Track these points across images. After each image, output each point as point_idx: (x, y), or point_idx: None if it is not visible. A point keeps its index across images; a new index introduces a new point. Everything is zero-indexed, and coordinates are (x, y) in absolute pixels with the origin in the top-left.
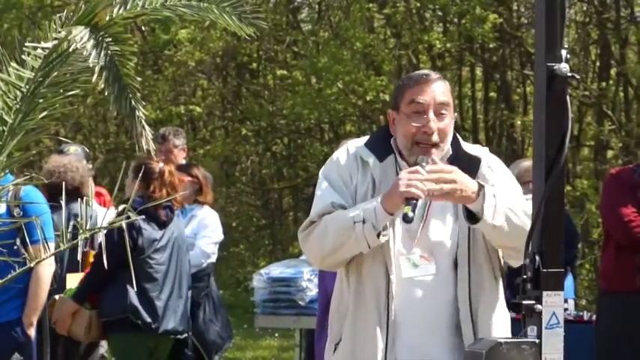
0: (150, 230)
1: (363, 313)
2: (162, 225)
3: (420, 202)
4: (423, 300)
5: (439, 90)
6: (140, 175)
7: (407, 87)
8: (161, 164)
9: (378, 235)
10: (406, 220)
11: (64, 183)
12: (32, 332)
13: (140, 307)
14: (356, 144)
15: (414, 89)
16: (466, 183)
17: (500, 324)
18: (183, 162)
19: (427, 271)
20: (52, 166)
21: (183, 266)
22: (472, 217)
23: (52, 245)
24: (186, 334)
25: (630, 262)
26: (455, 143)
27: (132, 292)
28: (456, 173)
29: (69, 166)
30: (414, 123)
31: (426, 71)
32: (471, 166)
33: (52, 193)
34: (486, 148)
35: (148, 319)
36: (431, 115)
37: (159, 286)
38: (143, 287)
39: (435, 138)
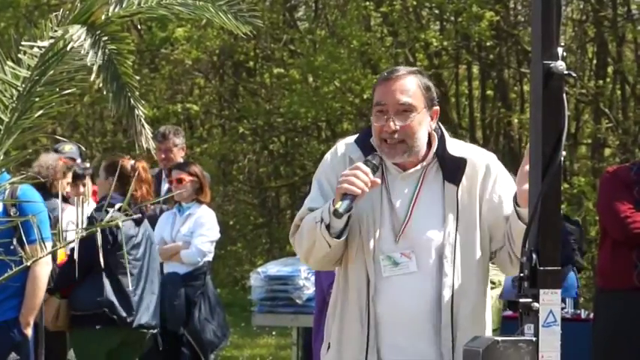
0: (127, 226)
1: (347, 314)
2: (139, 222)
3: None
4: (405, 299)
5: (403, 89)
6: (117, 173)
7: (376, 86)
8: (132, 161)
9: (339, 236)
10: (335, 215)
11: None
12: (29, 332)
13: (116, 302)
14: (346, 142)
15: (379, 89)
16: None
17: (479, 332)
18: (181, 161)
19: (407, 269)
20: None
21: (155, 263)
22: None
23: (49, 245)
24: (156, 329)
25: (628, 259)
26: (441, 144)
27: (108, 287)
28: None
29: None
30: (375, 123)
31: (395, 68)
32: (454, 167)
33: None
34: (493, 155)
35: (124, 314)
36: (391, 114)
37: (135, 282)
38: (120, 282)
39: (398, 137)
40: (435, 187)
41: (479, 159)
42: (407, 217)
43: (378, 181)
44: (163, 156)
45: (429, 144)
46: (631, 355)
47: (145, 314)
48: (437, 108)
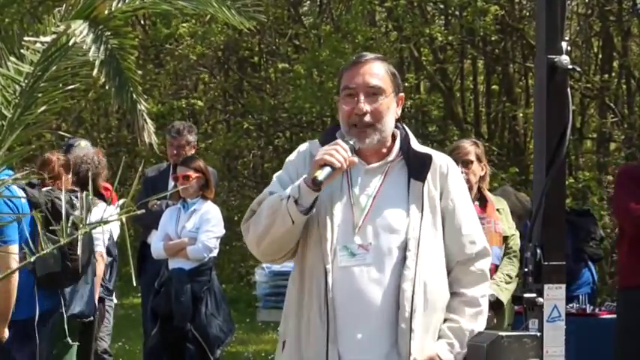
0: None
1: (305, 307)
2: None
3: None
4: (363, 291)
5: (372, 72)
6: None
7: (343, 72)
8: (47, 154)
9: (307, 212)
10: (314, 183)
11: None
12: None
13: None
14: (309, 141)
15: (347, 73)
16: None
17: (436, 328)
18: None
19: (364, 261)
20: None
21: (91, 254)
22: None
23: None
24: (92, 317)
25: (638, 256)
26: (405, 142)
27: None
28: None
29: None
30: (345, 106)
31: (363, 54)
32: (420, 164)
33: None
34: (448, 157)
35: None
36: (361, 96)
37: None
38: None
39: (368, 119)
40: (400, 182)
41: (440, 159)
42: (367, 209)
43: (356, 159)
44: (175, 152)
45: (393, 139)
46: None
47: (79, 304)
48: (402, 95)
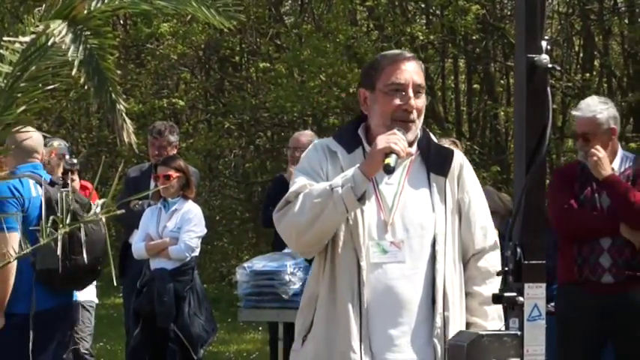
0: None
1: (336, 302)
2: None
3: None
4: (396, 288)
5: (416, 70)
6: None
7: (384, 65)
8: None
9: (359, 200)
10: (387, 170)
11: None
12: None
13: None
14: (324, 139)
15: (392, 67)
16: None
17: (464, 321)
18: None
19: (396, 258)
20: None
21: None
22: None
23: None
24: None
25: (570, 254)
26: (424, 137)
27: None
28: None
29: None
30: (395, 101)
31: (399, 51)
32: (441, 159)
33: None
34: (461, 152)
35: None
36: (410, 92)
37: None
38: None
39: (414, 115)
40: (421, 178)
41: (456, 154)
42: (395, 205)
43: (412, 150)
44: (157, 152)
45: None
46: (580, 346)
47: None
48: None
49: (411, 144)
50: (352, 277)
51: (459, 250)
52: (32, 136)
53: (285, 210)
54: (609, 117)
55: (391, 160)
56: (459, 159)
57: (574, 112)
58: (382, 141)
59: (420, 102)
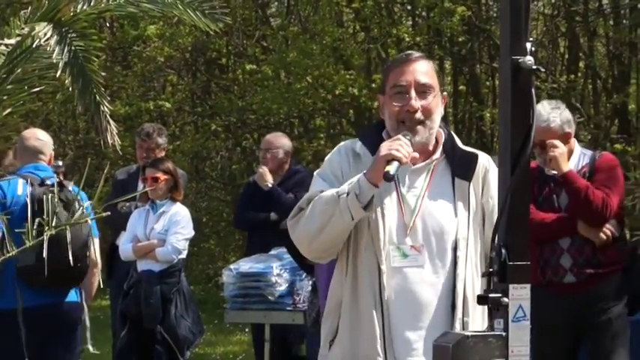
0: None
1: (359, 306)
2: None
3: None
4: (417, 293)
5: (421, 69)
6: None
7: (391, 69)
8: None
9: (365, 208)
10: (387, 177)
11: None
12: None
13: None
14: (350, 141)
15: (397, 71)
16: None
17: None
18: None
19: (416, 262)
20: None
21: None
22: None
23: None
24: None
25: (534, 256)
26: (449, 140)
27: None
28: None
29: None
30: (395, 103)
31: (408, 52)
32: (465, 162)
33: None
34: (487, 155)
35: None
36: (412, 93)
37: None
38: None
39: (419, 116)
40: (445, 181)
41: (482, 158)
42: (417, 209)
43: (417, 155)
44: (145, 154)
45: (436, 139)
46: (554, 348)
47: None
48: (445, 93)
49: (434, 149)
50: (373, 281)
51: (481, 255)
52: (38, 137)
53: (297, 217)
54: (563, 123)
55: (391, 168)
56: (484, 162)
57: None
58: (385, 147)
59: (427, 102)
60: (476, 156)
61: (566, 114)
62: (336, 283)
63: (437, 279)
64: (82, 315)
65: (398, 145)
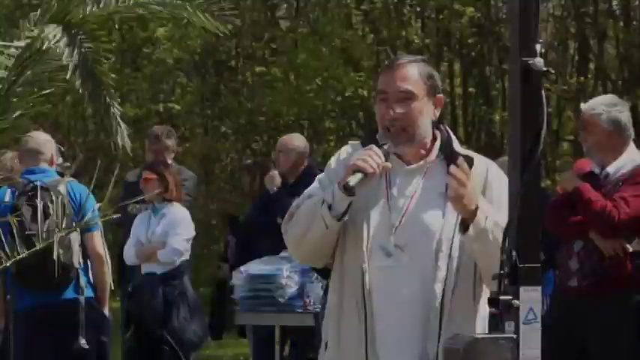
0: None
1: (345, 308)
2: None
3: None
4: (398, 292)
5: (402, 76)
6: None
7: (380, 74)
8: None
9: (339, 218)
10: (346, 188)
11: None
12: None
13: None
14: (352, 144)
15: (381, 77)
16: (473, 194)
17: (470, 329)
18: (170, 162)
19: (398, 262)
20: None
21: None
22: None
23: None
24: None
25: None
26: (447, 143)
27: None
28: (471, 181)
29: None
30: (378, 111)
31: (398, 57)
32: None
33: None
34: (489, 160)
35: None
36: (390, 101)
37: None
38: None
39: (399, 124)
40: (438, 183)
41: (480, 162)
42: (404, 209)
43: (389, 165)
44: (154, 157)
45: (433, 139)
46: (558, 353)
47: None
48: (440, 96)
49: (428, 151)
50: (356, 281)
51: (476, 271)
52: (36, 138)
53: (288, 221)
54: (610, 120)
55: (351, 179)
56: (483, 167)
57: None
58: (354, 157)
59: (406, 109)
60: (470, 159)
61: (618, 115)
62: (330, 285)
63: (417, 279)
64: (80, 312)
65: (366, 156)
